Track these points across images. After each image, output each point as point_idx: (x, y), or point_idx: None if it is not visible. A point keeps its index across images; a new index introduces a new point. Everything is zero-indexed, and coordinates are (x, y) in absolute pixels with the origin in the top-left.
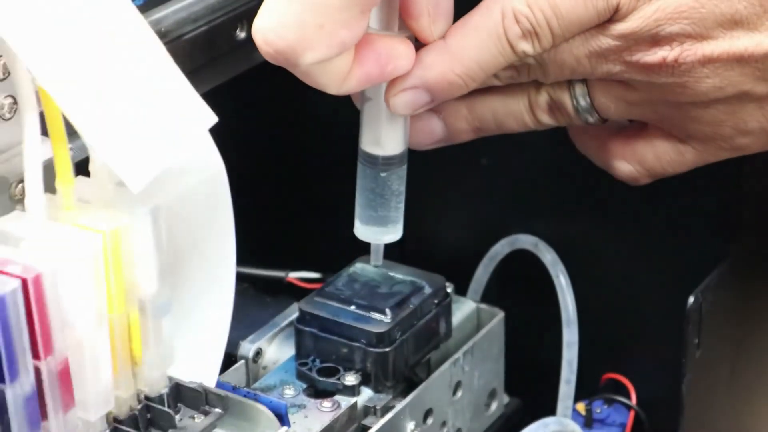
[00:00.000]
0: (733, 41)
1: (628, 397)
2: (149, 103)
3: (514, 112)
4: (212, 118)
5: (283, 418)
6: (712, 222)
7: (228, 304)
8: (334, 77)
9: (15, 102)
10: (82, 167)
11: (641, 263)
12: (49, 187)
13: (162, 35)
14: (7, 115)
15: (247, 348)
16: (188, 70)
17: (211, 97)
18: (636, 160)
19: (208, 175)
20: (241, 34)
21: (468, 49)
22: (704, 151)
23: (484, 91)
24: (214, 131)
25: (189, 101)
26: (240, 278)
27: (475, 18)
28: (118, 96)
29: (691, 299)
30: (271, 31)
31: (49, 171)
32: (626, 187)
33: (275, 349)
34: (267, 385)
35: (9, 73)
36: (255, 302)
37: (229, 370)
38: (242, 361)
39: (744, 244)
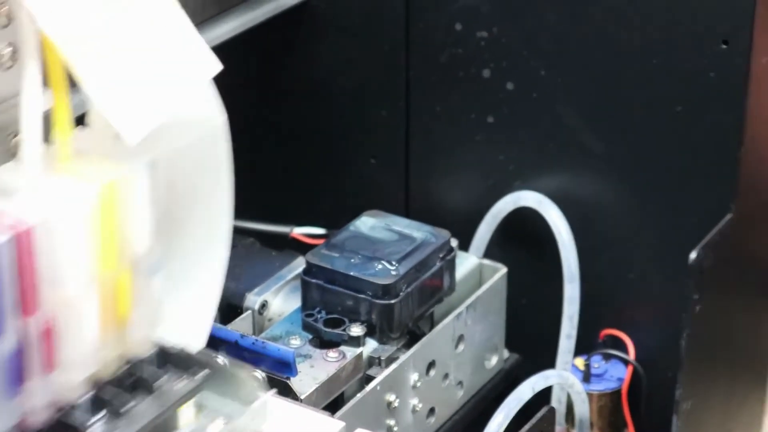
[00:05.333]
0: None
1: (626, 352)
2: (151, 50)
3: None
4: (216, 66)
5: (290, 366)
6: (712, 181)
7: (221, 265)
8: None
9: (15, 51)
10: (82, 121)
11: (642, 221)
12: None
13: None
14: (8, 64)
15: (253, 300)
16: (199, 21)
17: (220, 50)
18: None
19: (209, 129)
20: None
21: None
22: None
23: None
24: (223, 84)
25: (193, 48)
26: (245, 233)
27: None
28: (120, 43)
29: (693, 255)
30: None
31: (47, 124)
32: (629, 147)
33: (280, 302)
34: (273, 335)
35: (11, 21)
36: (260, 256)
37: (236, 320)
38: (248, 312)
39: (744, 203)
